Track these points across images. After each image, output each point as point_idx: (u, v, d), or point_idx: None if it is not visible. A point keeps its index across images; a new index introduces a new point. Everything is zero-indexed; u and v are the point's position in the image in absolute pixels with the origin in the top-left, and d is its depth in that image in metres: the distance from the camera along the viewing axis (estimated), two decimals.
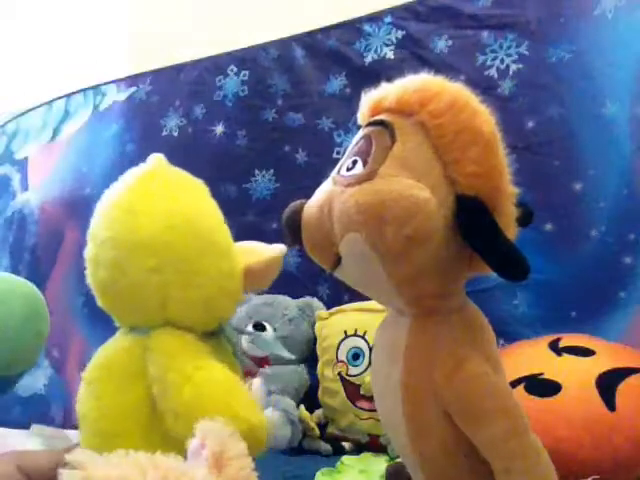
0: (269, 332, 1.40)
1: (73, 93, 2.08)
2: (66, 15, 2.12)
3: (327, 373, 1.30)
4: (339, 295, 1.48)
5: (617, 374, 0.89)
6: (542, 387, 0.89)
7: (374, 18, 1.54)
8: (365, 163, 0.53)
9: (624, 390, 0.87)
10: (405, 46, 1.49)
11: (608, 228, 1.23)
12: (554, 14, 1.33)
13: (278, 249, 0.81)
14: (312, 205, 0.57)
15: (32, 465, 0.45)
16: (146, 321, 0.75)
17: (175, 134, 1.82)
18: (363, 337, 1.27)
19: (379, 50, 1.52)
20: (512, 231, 0.53)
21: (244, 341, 1.40)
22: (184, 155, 1.80)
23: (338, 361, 1.28)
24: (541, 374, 0.92)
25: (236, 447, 0.50)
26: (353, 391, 1.25)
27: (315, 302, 1.45)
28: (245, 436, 0.47)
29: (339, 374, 1.27)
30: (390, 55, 1.51)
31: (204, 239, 0.74)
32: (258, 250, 0.83)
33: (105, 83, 2.00)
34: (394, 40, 1.51)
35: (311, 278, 1.54)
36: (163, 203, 0.73)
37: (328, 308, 1.42)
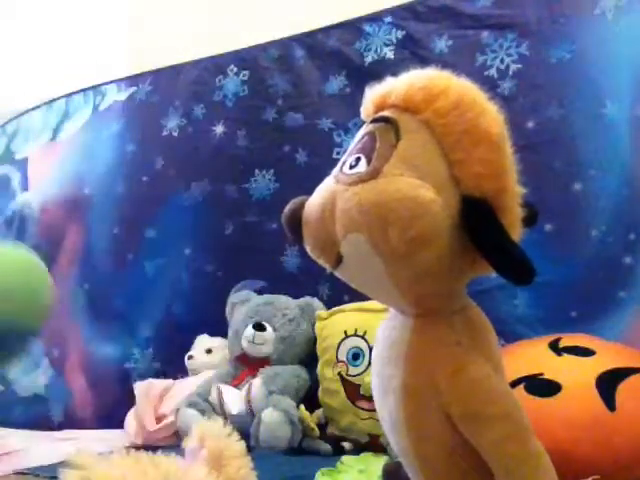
0: (269, 332, 1.40)
1: (73, 93, 2.08)
2: (66, 15, 2.12)
3: (327, 373, 1.30)
4: (339, 295, 1.48)
5: (617, 374, 0.89)
6: (542, 387, 0.89)
7: (374, 18, 1.54)
8: (369, 161, 0.51)
9: (624, 390, 0.87)
10: (405, 46, 1.49)
11: (608, 228, 1.23)
12: (554, 14, 1.33)
13: None
14: (313, 203, 0.55)
15: None
16: None
17: (175, 134, 1.82)
18: (363, 337, 1.27)
19: (379, 50, 1.52)
20: (517, 231, 0.52)
21: (244, 341, 1.40)
22: (184, 155, 1.80)
23: (338, 361, 1.28)
24: (541, 374, 0.92)
25: (235, 447, 0.50)
26: (353, 391, 1.25)
27: (315, 302, 1.45)
28: None
29: (339, 374, 1.27)
30: (390, 55, 1.51)
31: None
32: None
33: (105, 83, 2.00)
34: (394, 40, 1.51)
35: (311, 278, 1.54)
36: None
37: (328, 308, 1.42)
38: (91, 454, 0.41)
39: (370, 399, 1.23)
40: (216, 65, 1.78)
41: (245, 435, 1.24)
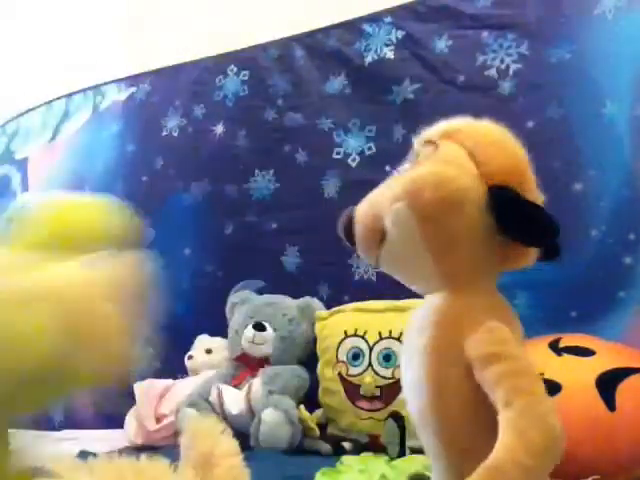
0: (269, 332, 1.40)
1: (73, 93, 2.08)
2: (66, 15, 2.12)
3: (327, 373, 1.30)
4: (339, 295, 1.48)
5: (617, 374, 0.89)
6: None
7: (374, 18, 1.54)
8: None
9: (624, 390, 0.87)
10: (405, 46, 1.49)
11: (608, 228, 1.23)
12: (554, 14, 1.33)
13: None
14: (366, 198, 0.65)
15: None
16: None
17: (175, 134, 1.82)
18: (363, 337, 1.27)
19: (379, 50, 1.52)
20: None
21: (244, 341, 1.40)
22: (184, 155, 1.80)
23: (338, 361, 1.28)
24: (541, 374, 0.92)
25: (226, 445, 0.49)
26: (353, 391, 1.25)
27: (315, 302, 1.45)
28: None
29: (339, 374, 1.27)
30: (390, 55, 1.51)
31: None
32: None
33: (105, 83, 2.00)
34: (394, 40, 1.51)
35: (311, 278, 1.54)
36: None
37: (328, 308, 1.42)
38: (72, 462, 0.40)
39: (370, 399, 1.24)
40: (216, 65, 1.78)
41: (245, 435, 1.25)
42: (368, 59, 1.53)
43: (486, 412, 0.52)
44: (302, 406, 1.28)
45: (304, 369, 1.38)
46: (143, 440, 1.39)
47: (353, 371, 1.25)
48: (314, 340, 1.38)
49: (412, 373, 0.59)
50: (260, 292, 1.54)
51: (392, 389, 1.20)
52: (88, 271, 0.61)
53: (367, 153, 1.51)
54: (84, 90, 2.05)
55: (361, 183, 1.57)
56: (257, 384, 1.31)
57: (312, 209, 1.55)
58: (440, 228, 0.58)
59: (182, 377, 1.56)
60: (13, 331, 0.54)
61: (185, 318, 1.70)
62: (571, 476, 0.52)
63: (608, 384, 0.88)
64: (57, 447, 1.43)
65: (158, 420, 1.42)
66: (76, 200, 0.80)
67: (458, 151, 0.60)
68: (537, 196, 0.62)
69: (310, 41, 1.63)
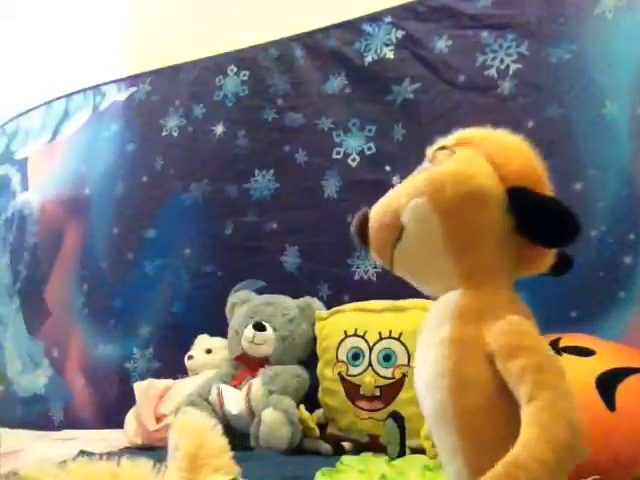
0: (269, 332, 1.40)
1: (73, 93, 2.08)
2: (66, 15, 2.13)
3: (327, 373, 1.30)
4: (339, 295, 1.48)
5: (617, 374, 0.89)
6: None
7: (374, 18, 1.54)
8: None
9: (624, 390, 0.87)
10: (405, 46, 1.49)
11: (608, 228, 1.23)
12: (554, 14, 1.33)
13: None
14: (384, 196, 0.63)
15: None
16: None
17: (175, 134, 1.82)
18: (363, 337, 1.27)
19: (379, 50, 1.52)
20: None
21: (244, 341, 1.40)
22: (184, 155, 1.80)
23: (338, 361, 1.28)
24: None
25: (214, 444, 0.48)
26: (353, 391, 1.25)
27: (315, 302, 1.45)
28: None
29: (339, 374, 1.27)
30: (390, 55, 1.51)
31: None
32: None
33: (105, 83, 2.00)
34: (394, 40, 1.51)
35: (311, 278, 1.54)
36: None
37: (328, 308, 1.42)
38: (48, 466, 0.39)
39: (370, 399, 1.24)
40: (216, 65, 1.78)
41: (245, 435, 1.25)
42: (368, 59, 1.53)
43: (507, 404, 0.52)
44: (302, 406, 1.28)
45: (304, 369, 1.38)
46: (143, 440, 1.39)
47: (353, 371, 1.25)
48: (314, 340, 1.38)
49: (429, 368, 0.58)
50: (260, 292, 1.54)
51: (392, 389, 1.20)
52: None
53: (367, 153, 1.51)
54: (84, 90, 2.05)
55: (361, 183, 1.58)
56: (257, 384, 1.31)
57: (312, 209, 1.55)
58: (462, 224, 0.57)
59: (182, 377, 1.56)
60: None
61: (185, 318, 1.71)
62: (571, 476, 0.51)
63: (608, 384, 0.87)
64: (57, 447, 1.43)
65: (158, 420, 1.41)
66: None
67: (475, 154, 0.60)
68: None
69: (310, 41, 1.63)
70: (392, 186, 0.62)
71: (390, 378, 1.21)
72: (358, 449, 1.22)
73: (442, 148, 0.63)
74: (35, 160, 2.18)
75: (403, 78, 1.48)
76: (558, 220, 0.55)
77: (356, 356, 1.26)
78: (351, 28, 1.57)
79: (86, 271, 1.93)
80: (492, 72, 1.38)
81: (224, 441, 0.50)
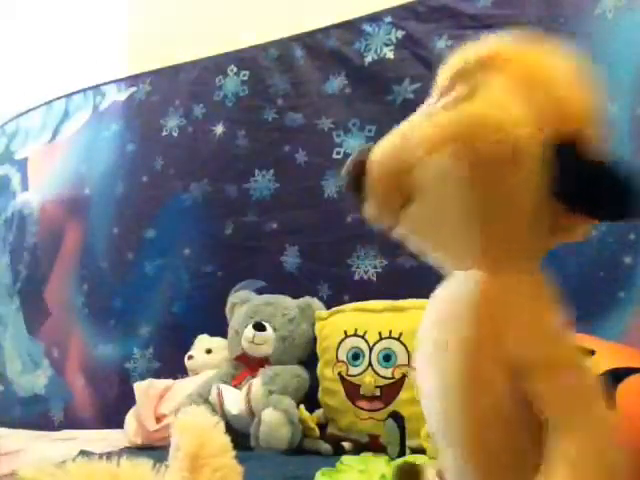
0: (269, 332, 1.40)
1: (73, 93, 2.08)
2: (66, 15, 2.12)
3: (327, 373, 1.30)
4: (339, 295, 1.48)
5: (617, 374, 0.89)
6: None
7: (374, 18, 1.54)
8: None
9: (624, 390, 0.87)
10: (405, 46, 1.49)
11: (608, 228, 1.23)
12: (554, 14, 1.32)
13: None
14: (391, 135, 0.52)
15: None
16: None
17: (175, 134, 1.82)
18: (363, 337, 1.27)
19: (379, 50, 1.52)
20: None
21: (244, 341, 1.40)
22: (184, 155, 1.80)
23: (338, 361, 1.28)
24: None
25: (216, 443, 0.48)
26: (353, 391, 1.25)
27: (315, 302, 1.45)
28: None
29: (339, 374, 1.27)
30: (390, 55, 1.51)
31: None
32: None
33: (105, 83, 2.00)
34: (394, 40, 1.51)
35: (311, 278, 1.54)
36: None
37: (328, 308, 1.42)
38: (45, 467, 0.39)
39: (370, 399, 1.24)
40: (216, 65, 1.78)
41: (245, 435, 1.25)
42: (368, 59, 1.53)
43: (523, 416, 0.45)
44: (302, 406, 1.28)
45: (304, 369, 1.38)
46: (143, 440, 1.39)
47: (353, 371, 1.25)
48: (314, 340, 1.38)
49: (440, 374, 0.50)
50: (260, 292, 1.54)
51: (392, 389, 1.20)
52: None
53: None
54: (84, 90, 2.05)
55: None
56: (257, 384, 1.31)
57: (312, 209, 1.55)
58: (493, 190, 0.46)
59: (182, 377, 1.56)
60: None
61: (185, 318, 1.71)
62: None
63: (608, 384, 0.87)
64: (57, 447, 1.43)
65: (158, 420, 1.41)
66: None
67: (509, 90, 0.47)
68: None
69: (310, 41, 1.63)
70: None
71: (390, 378, 1.21)
72: (358, 449, 1.22)
73: (463, 73, 0.50)
74: (35, 160, 2.18)
75: (403, 78, 1.48)
76: (619, 190, 0.44)
77: (356, 356, 1.26)
78: (351, 28, 1.57)
79: (86, 271, 1.94)
80: None
81: (226, 439, 0.50)
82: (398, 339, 1.22)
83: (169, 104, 1.83)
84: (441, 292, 0.54)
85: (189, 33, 1.83)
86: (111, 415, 1.67)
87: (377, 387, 1.22)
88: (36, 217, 2.10)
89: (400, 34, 1.50)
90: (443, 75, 0.54)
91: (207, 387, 1.35)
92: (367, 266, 1.47)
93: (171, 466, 0.47)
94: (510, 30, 0.52)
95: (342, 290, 1.49)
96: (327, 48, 1.60)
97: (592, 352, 0.95)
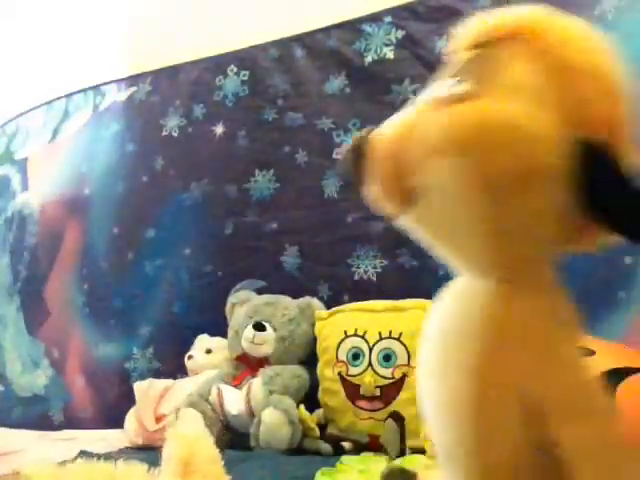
0: (269, 332, 1.40)
1: (73, 93, 2.08)
2: (66, 15, 2.12)
3: (327, 373, 1.30)
4: (339, 295, 1.48)
5: (617, 374, 0.89)
6: None
7: (374, 18, 1.54)
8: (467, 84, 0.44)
9: (624, 390, 0.87)
10: (405, 46, 1.49)
11: None
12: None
13: None
14: (392, 125, 0.47)
15: None
16: None
17: (175, 134, 1.82)
18: (363, 337, 1.27)
19: (379, 50, 1.52)
20: None
21: (244, 341, 1.40)
22: (184, 155, 1.80)
23: (338, 361, 1.28)
24: None
25: (206, 454, 0.49)
26: (353, 391, 1.25)
27: (315, 302, 1.45)
28: None
29: (339, 374, 1.27)
30: (390, 55, 1.51)
31: None
32: None
33: (105, 83, 2.00)
34: (394, 40, 1.51)
35: (311, 278, 1.54)
36: None
37: (328, 308, 1.42)
38: (46, 466, 0.40)
39: (370, 399, 1.24)
40: (216, 65, 1.78)
41: (245, 435, 1.25)
42: (368, 59, 1.53)
43: (542, 461, 0.41)
44: (302, 406, 1.28)
45: (304, 369, 1.38)
46: (143, 440, 1.39)
47: (353, 371, 1.25)
48: (314, 340, 1.38)
49: (440, 386, 0.46)
50: (260, 292, 1.54)
51: (392, 389, 1.20)
52: None
53: None
54: (84, 90, 2.05)
55: None
56: (257, 384, 1.31)
57: (312, 209, 1.55)
58: (517, 205, 0.40)
59: (182, 377, 1.56)
60: None
61: (185, 318, 1.71)
62: None
63: (608, 384, 0.87)
64: (57, 447, 1.43)
65: (158, 420, 1.41)
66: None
67: (534, 75, 0.41)
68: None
69: (310, 41, 1.63)
70: None
71: (390, 378, 1.21)
72: (358, 449, 1.22)
73: (483, 51, 0.43)
74: (35, 160, 2.18)
75: (403, 78, 1.48)
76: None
77: (356, 356, 1.26)
78: (351, 28, 1.57)
79: (86, 271, 1.94)
80: None
81: (215, 452, 0.51)
82: (398, 339, 1.22)
83: (169, 104, 1.83)
84: (446, 300, 0.49)
85: (189, 33, 1.83)
86: (111, 415, 1.67)
87: (377, 387, 1.22)
88: (36, 217, 2.10)
89: (400, 34, 1.50)
90: (459, 47, 0.47)
91: (207, 387, 1.35)
92: (367, 266, 1.47)
93: (163, 470, 0.47)
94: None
95: (342, 290, 1.49)
96: (327, 48, 1.60)
97: (592, 352, 0.95)
